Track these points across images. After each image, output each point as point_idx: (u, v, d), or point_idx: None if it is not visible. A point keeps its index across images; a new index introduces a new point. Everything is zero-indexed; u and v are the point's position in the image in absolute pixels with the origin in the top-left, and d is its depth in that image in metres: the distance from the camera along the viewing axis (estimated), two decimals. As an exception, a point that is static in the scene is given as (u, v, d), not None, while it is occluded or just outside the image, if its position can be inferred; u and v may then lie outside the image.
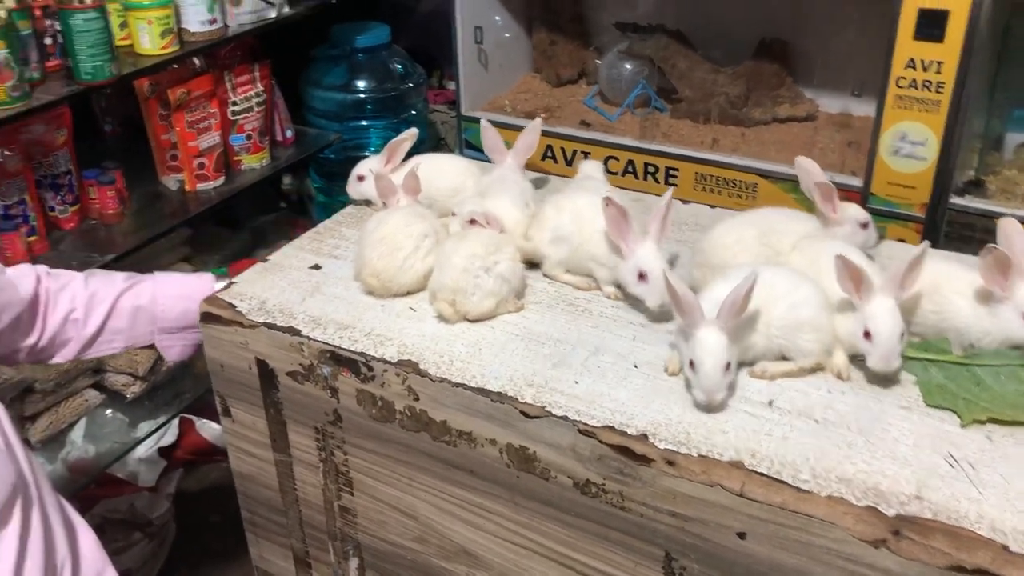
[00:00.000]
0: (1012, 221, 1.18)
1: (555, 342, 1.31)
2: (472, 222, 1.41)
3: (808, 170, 1.39)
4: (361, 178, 1.69)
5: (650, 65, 2.87)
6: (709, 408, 1.15)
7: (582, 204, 1.40)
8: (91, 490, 2.28)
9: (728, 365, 1.14)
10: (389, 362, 1.28)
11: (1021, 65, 2.41)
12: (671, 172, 2.66)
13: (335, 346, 1.31)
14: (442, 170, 1.61)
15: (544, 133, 2.91)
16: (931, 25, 2.15)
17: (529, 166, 1.68)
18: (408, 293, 1.42)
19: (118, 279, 1.48)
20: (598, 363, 1.26)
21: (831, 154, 2.63)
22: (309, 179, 2.92)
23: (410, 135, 1.64)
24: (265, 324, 1.37)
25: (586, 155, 2.76)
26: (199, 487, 2.62)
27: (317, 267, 1.52)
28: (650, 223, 1.30)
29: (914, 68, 2.20)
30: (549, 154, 2.83)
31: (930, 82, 2.20)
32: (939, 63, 2.17)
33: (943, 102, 2.20)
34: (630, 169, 2.72)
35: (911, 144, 2.29)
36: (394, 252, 1.39)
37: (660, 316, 1.34)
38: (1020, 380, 1.15)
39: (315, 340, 1.33)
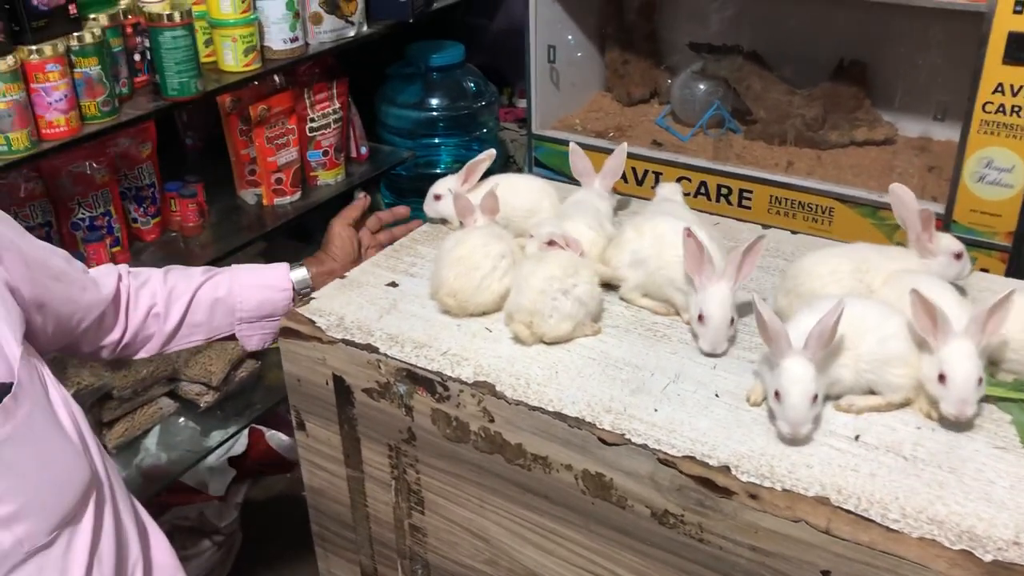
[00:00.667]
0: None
1: (633, 368, 1.29)
2: (551, 244, 1.40)
3: (902, 198, 1.35)
4: (438, 197, 1.69)
5: (724, 86, 2.84)
6: (794, 441, 1.12)
7: (663, 228, 1.38)
8: (162, 497, 2.32)
9: (815, 397, 1.11)
10: (465, 383, 1.27)
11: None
12: (745, 194, 2.63)
13: (412, 364, 1.32)
14: (518, 190, 1.61)
15: (610, 152, 2.90)
16: (1021, 49, 2.09)
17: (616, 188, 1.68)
18: (484, 313, 1.42)
19: (196, 273, 1.52)
20: (678, 391, 1.24)
21: (910, 179, 2.57)
22: (380, 195, 2.95)
23: (488, 156, 1.64)
24: (343, 341, 1.38)
25: (658, 176, 2.74)
26: (266, 497, 2.65)
27: (394, 284, 1.53)
28: (728, 264, 1.28)
29: (1002, 93, 2.15)
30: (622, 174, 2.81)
31: (1019, 107, 2.14)
32: (1029, 88, 2.10)
33: (1032, 128, 2.14)
34: (702, 191, 2.70)
35: (997, 171, 2.23)
36: (471, 272, 1.39)
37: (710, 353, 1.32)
38: (1120, 419, 1.10)
39: (392, 358, 1.33)
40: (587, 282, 1.34)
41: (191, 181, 2.21)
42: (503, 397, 1.24)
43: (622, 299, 1.45)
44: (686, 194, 2.68)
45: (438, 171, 2.81)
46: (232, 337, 1.56)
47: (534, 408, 1.22)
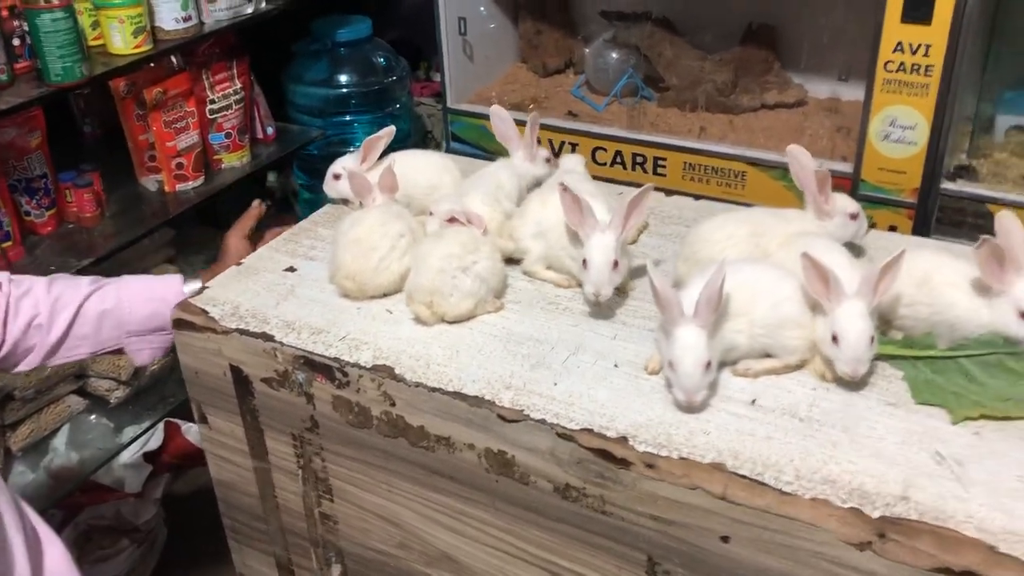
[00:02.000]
0: (1009, 215, 1.15)
1: (534, 342, 1.28)
2: (451, 220, 1.37)
3: (799, 159, 1.36)
4: (337, 176, 1.66)
5: (637, 54, 2.83)
6: (689, 408, 1.12)
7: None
8: (76, 497, 2.25)
9: (708, 363, 1.11)
10: (364, 367, 1.24)
11: (1011, 46, 2.38)
12: (659, 162, 2.63)
13: (309, 352, 1.28)
14: (418, 167, 1.58)
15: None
16: (918, 7, 2.11)
17: None
18: (385, 295, 1.39)
19: (83, 283, 1.45)
20: (578, 363, 1.23)
21: (821, 140, 2.59)
22: (293, 176, 2.89)
23: (387, 133, 1.60)
24: (238, 330, 1.34)
25: (574, 147, 2.72)
26: (189, 491, 2.59)
27: (292, 269, 1.49)
28: (614, 215, 1.27)
29: (902, 51, 2.17)
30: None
31: (919, 65, 2.17)
32: (927, 46, 2.13)
33: (932, 85, 2.17)
34: (618, 160, 2.69)
35: (901, 129, 2.26)
36: (369, 253, 1.35)
37: (605, 310, 1.32)
38: (1008, 370, 1.12)
39: (289, 346, 1.30)
40: (487, 258, 1.32)
41: (86, 170, 2.13)
42: (403, 380, 1.22)
43: (525, 273, 1.43)
44: (602, 164, 2.71)
45: (352, 149, 2.75)
46: (121, 351, 1.49)
47: (434, 389, 1.20)
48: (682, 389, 1.10)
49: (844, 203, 1.37)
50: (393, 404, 1.24)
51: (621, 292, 1.35)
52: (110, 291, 1.45)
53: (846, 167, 2.40)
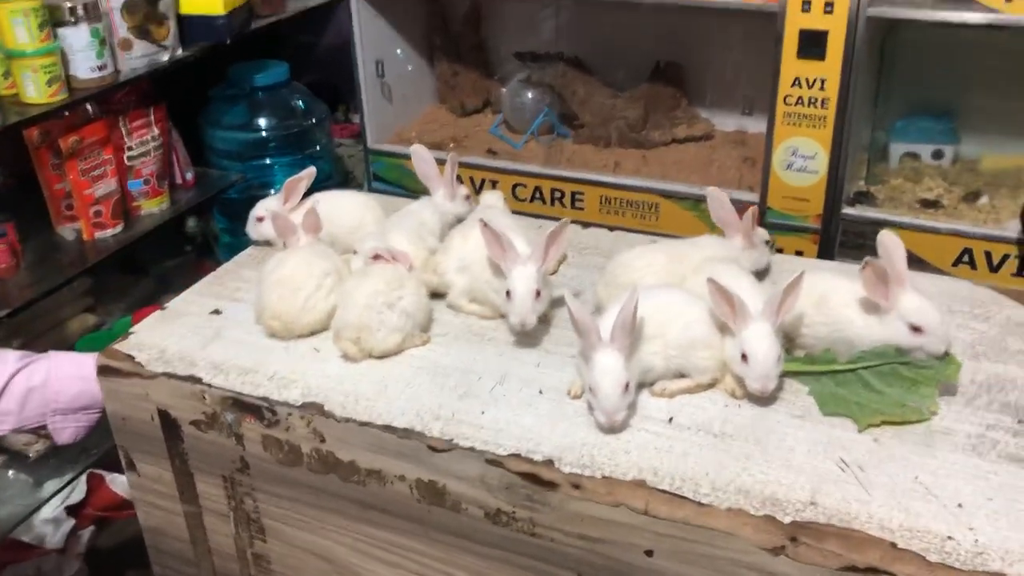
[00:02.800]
0: (890, 234, 1.24)
1: (461, 373, 1.31)
2: (376, 258, 1.41)
3: (719, 199, 1.45)
4: (260, 219, 1.68)
5: (551, 93, 2.92)
6: (611, 429, 1.17)
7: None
8: (-5, 556, 2.18)
9: (627, 385, 1.16)
10: (293, 405, 1.26)
11: (898, 79, 2.54)
12: (577, 196, 2.71)
13: (237, 392, 1.30)
14: (342, 207, 1.61)
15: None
16: (812, 44, 2.25)
17: None
18: (312, 333, 1.41)
19: (10, 359, 1.44)
20: (504, 391, 1.27)
21: (729, 171, 2.71)
22: (214, 220, 2.88)
23: (307, 174, 1.64)
24: (165, 374, 1.34)
25: (494, 184, 2.79)
26: (114, 543, 2.53)
27: (217, 312, 1.50)
28: (535, 248, 1.33)
29: (799, 86, 2.30)
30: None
31: (815, 99, 2.30)
32: (822, 80, 2.26)
33: (829, 117, 2.30)
34: (538, 195, 2.76)
35: (802, 158, 2.39)
36: (295, 292, 1.38)
37: (529, 338, 1.37)
38: (902, 377, 1.21)
39: (217, 387, 1.31)
40: (413, 293, 1.36)
41: (0, 220, 2.10)
42: (332, 416, 1.24)
43: (450, 306, 1.47)
44: (522, 200, 2.78)
45: (273, 192, 2.75)
46: (42, 427, 1.48)
47: (363, 423, 1.22)
48: (603, 411, 1.15)
49: (762, 233, 1.49)
50: (323, 440, 1.26)
51: (544, 321, 1.40)
52: (39, 368, 1.44)
53: (753, 196, 2.51)
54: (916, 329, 1.21)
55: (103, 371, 1.39)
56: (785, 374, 1.24)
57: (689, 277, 1.37)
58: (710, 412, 1.21)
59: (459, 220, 1.63)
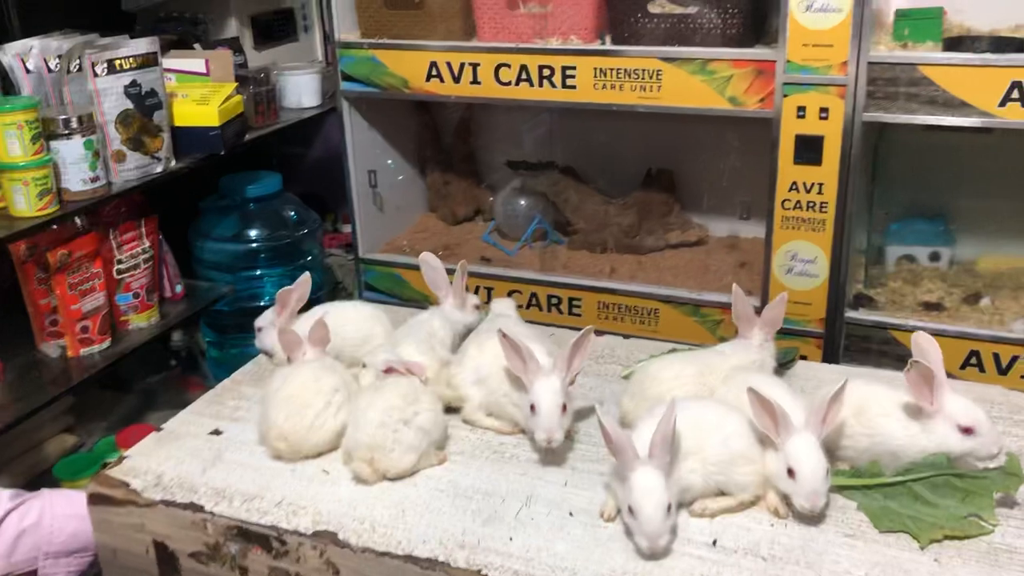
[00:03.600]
0: (924, 335, 1.19)
1: (484, 495, 1.23)
2: (388, 371, 1.34)
3: (739, 295, 1.41)
4: (260, 329, 1.61)
5: (544, 200, 2.91)
6: (652, 555, 1.08)
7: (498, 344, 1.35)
8: None
9: (669, 507, 1.08)
10: (304, 534, 1.17)
11: (891, 182, 2.56)
12: (574, 302, 2.66)
13: (242, 520, 1.20)
14: (348, 318, 1.55)
15: (448, 271, 2.90)
16: (808, 150, 2.26)
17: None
18: (319, 454, 1.33)
19: (3, 498, 1.34)
20: (531, 514, 1.18)
21: (725, 276, 2.69)
22: (200, 334, 2.80)
23: (302, 283, 1.58)
24: (163, 501, 1.25)
25: (489, 291, 2.74)
26: None
27: (218, 432, 1.41)
28: (558, 359, 1.27)
29: (797, 190, 2.30)
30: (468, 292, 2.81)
31: (813, 202, 2.30)
32: (820, 184, 2.27)
33: (828, 220, 2.29)
34: (534, 302, 2.72)
35: (802, 262, 2.37)
36: (303, 410, 1.30)
37: (554, 455, 1.30)
38: (955, 488, 1.14)
39: (220, 515, 1.21)
40: (429, 409, 1.29)
41: (-19, 338, 2.01)
42: (347, 545, 1.15)
43: (466, 421, 1.40)
44: (519, 306, 2.73)
45: (262, 304, 2.70)
46: (33, 573, 1.36)
47: (382, 553, 1.13)
48: (645, 536, 1.07)
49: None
50: (337, 572, 1.16)
51: (567, 436, 1.32)
52: (32, 507, 1.34)
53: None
54: (966, 431, 1.15)
55: (94, 499, 1.29)
56: (831, 489, 1.16)
57: (719, 388, 1.31)
58: (756, 533, 1.13)
59: (469, 330, 1.57)
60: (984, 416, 1.15)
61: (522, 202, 2.94)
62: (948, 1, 2.31)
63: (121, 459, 1.35)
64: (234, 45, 2.69)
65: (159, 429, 1.43)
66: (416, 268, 2.81)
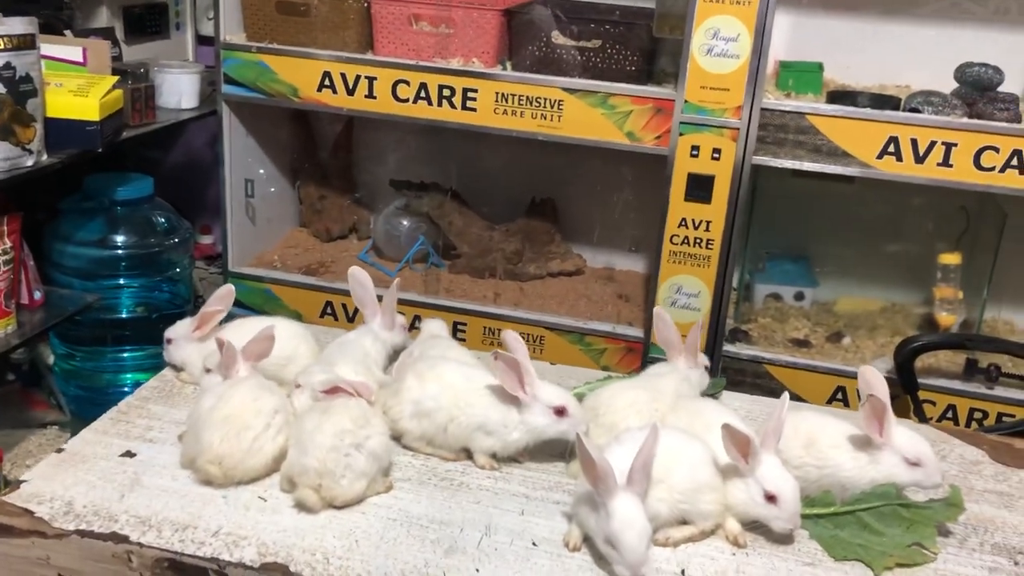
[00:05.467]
0: (871, 369, 1.25)
1: (439, 524, 1.17)
2: (332, 391, 1.25)
3: (664, 320, 1.42)
4: (169, 341, 1.49)
5: (428, 222, 2.87)
6: (634, 585, 1.06)
7: (450, 376, 1.30)
8: None
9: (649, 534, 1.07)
10: (250, 567, 1.07)
11: (765, 223, 2.69)
12: (459, 326, 2.63)
13: (176, 552, 1.09)
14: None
15: (321, 288, 2.80)
16: (700, 188, 2.34)
17: (309, 322, 1.58)
18: (253, 480, 1.22)
19: None
20: (494, 545, 1.14)
21: (606, 306, 2.74)
22: (48, 346, 2.54)
23: (225, 295, 1.47)
24: (77, 532, 1.11)
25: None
26: None
27: (130, 454, 1.28)
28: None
29: (686, 227, 2.38)
30: (329, 310, 2.71)
31: (701, 239, 2.38)
32: (708, 222, 2.36)
33: (713, 257, 2.38)
34: (416, 325, 2.64)
35: (686, 296, 2.45)
36: (242, 433, 1.20)
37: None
38: (901, 518, 1.19)
39: (148, 546, 1.09)
40: (380, 433, 1.22)
41: None
42: (301, 579, 1.06)
43: (406, 447, 1.33)
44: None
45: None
46: None
47: (341, 587, 1.05)
48: (628, 566, 1.05)
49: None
50: (288, 609, 1.07)
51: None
52: None
53: (636, 331, 2.54)
54: (913, 464, 1.20)
55: (-12, 530, 1.13)
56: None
57: (668, 415, 1.31)
58: (720, 562, 1.14)
59: (397, 352, 1.51)
60: (929, 449, 1.21)
61: (404, 222, 2.88)
62: (823, 58, 2.49)
63: (18, 483, 1.19)
64: (108, 35, 2.49)
65: (60, 451, 1.27)
66: (289, 284, 2.73)
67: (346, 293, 2.63)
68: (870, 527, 1.18)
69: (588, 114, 2.36)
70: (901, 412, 2.40)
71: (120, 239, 2.42)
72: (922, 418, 2.32)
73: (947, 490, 1.22)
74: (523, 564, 1.10)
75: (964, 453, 1.43)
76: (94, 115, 2.04)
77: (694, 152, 2.32)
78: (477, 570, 1.09)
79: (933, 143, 2.19)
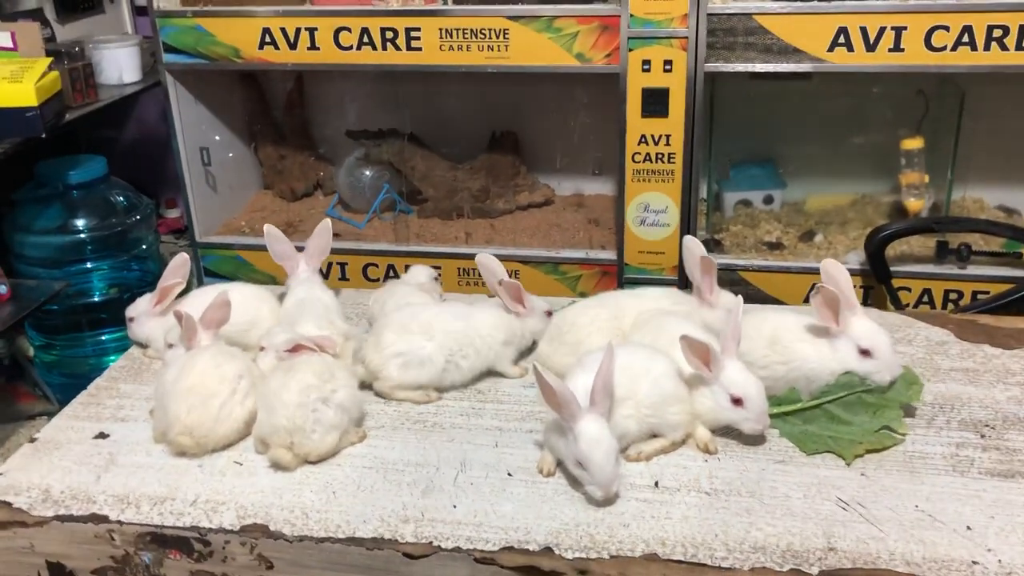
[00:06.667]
0: (833, 262, 1.25)
1: (415, 467, 1.18)
2: (295, 349, 1.25)
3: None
4: (131, 319, 1.48)
5: (390, 169, 2.84)
6: (607, 502, 1.08)
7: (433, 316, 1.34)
8: None
9: (616, 452, 1.08)
10: (230, 531, 1.08)
11: (727, 131, 2.67)
12: (435, 270, 2.62)
13: (156, 525, 1.10)
14: (232, 301, 1.43)
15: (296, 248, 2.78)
16: (655, 102, 2.32)
17: (282, 280, 1.59)
18: (227, 446, 1.23)
19: None
20: (470, 479, 1.15)
21: (578, 233, 2.73)
22: (26, 337, 2.53)
23: (179, 266, 1.46)
24: (57, 517, 1.12)
25: (342, 266, 2.66)
26: None
27: (104, 435, 1.28)
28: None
29: (646, 143, 2.36)
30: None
31: (662, 154, 2.36)
32: (667, 136, 2.34)
33: (676, 171, 2.37)
34: (392, 273, 2.65)
35: (654, 213, 2.44)
36: (208, 401, 1.20)
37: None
38: (867, 404, 1.21)
39: (128, 523, 1.10)
40: (346, 385, 1.22)
41: None
42: (281, 536, 1.07)
43: (379, 394, 1.34)
44: (375, 280, 2.66)
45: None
46: None
47: (322, 540, 1.06)
48: (598, 485, 1.07)
49: (727, 298, 1.40)
50: (271, 567, 1.09)
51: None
52: None
53: (608, 255, 2.54)
54: (865, 352, 1.21)
55: (-31, 526, 1.14)
56: (747, 418, 1.21)
57: (630, 332, 1.32)
58: (693, 470, 1.15)
59: None
60: (886, 341, 1.22)
61: (367, 173, 2.85)
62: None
63: (-8, 479, 1.20)
64: (38, 17, 2.43)
65: (33, 440, 1.28)
66: (260, 248, 2.71)
67: (317, 251, 2.65)
68: (838, 418, 1.20)
69: (535, 40, 2.31)
70: (879, 302, 2.43)
71: (80, 223, 2.39)
72: (898, 306, 2.34)
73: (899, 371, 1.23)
74: (499, 495, 1.12)
75: (930, 335, 1.44)
76: (31, 100, 2.00)
77: (645, 66, 2.29)
78: (455, 506, 1.10)
79: (883, 29, 2.16)
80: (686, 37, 2.23)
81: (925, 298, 2.42)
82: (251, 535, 1.07)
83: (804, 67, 2.22)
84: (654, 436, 1.19)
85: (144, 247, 2.55)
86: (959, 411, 1.25)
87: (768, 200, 2.74)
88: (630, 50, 2.27)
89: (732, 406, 1.15)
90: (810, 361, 1.24)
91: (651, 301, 1.37)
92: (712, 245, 2.56)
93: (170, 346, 1.34)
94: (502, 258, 2.51)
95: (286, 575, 1.08)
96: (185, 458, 1.21)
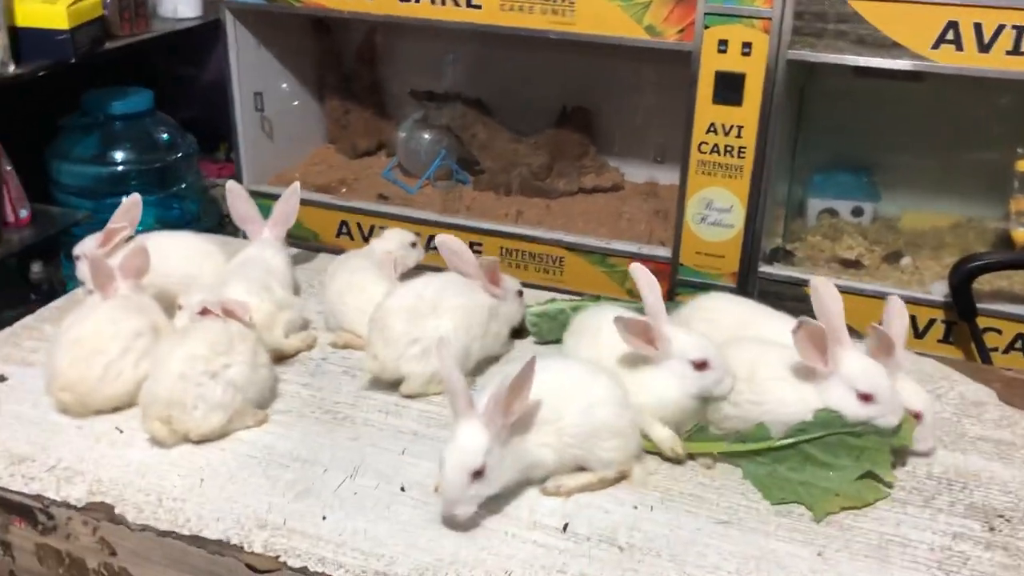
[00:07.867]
0: (825, 281, 1.03)
1: (302, 463, 1.03)
2: (203, 313, 1.12)
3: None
4: (78, 258, 1.38)
5: (449, 135, 2.69)
6: (450, 524, 0.90)
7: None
8: None
9: (479, 471, 0.89)
10: (74, 506, 0.96)
11: (818, 129, 2.39)
12: (475, 247, 2.46)
13: (3, 488, 0.99)
14: (168, 253, 1.31)
15: (339, 208, 2.68)
16: (729, 88, 2.07)
17: (323, 243, 1.45)
18: (116, 409, 1.11)
19: None
20: (355, 488, 0.99)
21: (639, 225, 2.51)
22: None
23: (131, 205, 1.35)
24: (-97, 463, 1.02)
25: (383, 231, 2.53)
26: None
27: (3, 378, 1.19)
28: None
29: (715, 132, 2.12)
30: (344, 230, 2.59)
31: (732, 147, 2.12)
32: (739, 127, 2.09)
33: (746, 167, 2.12)
34: (432, 245, 2.50)
35: (717, 211, 2.20)
36: (92, 357, 1.08)
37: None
38: (850, 447, 0.98)
39: (-23, 481, 1.00)
40: (244, 361, 1.08)
41: None
42: (123, 522, 0.94)
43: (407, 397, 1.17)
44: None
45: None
46: None
47: (164, 533, 0.93)
48: (443, 498, 0.89)
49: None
50: (114, 553, 0.96)
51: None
52: None
53: (664, 252, 2.32)
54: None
55: None
56: (710, 456, 1.00)
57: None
58: (615, 516, 0.96)
59: None
60: (886, 381, 0.99)
61: (425, 136, 2.70)
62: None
63: None
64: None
65: (-73, 374, 1.19)
66: (309, 204, 2.61)
67: (362, 212, 2.53)
68: (814, 459, 0.98)
69: (602, 6, 2.10)
70: (961, 342, 2.12)
71: (119, 155, 2.35)
72: (981, 347, 2.03)
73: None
74: (380, 512, 0.96)
75: (966, 392, 1.18)
76: (63, 23, 1.95)
77: (722, 47, 2.05)
78: (324, 517, 0.95)
79: (1001, 27, 1.84)
80: (769, 18, 1.97)
81: (1018, 343, 2.10)
82: (93, 515, 0.95)
83: (902, 64, 1.93)
84: (581, 469, 0.99)
85: (184, 186, 2.49)
86: (971, 493, 1.00)
87: (857, 212, 2.44)
88: (706, 27, 2.03)
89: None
90: (788, 404, 1.01)
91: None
92: (782, 255, 2.30)
93: (90, 292, 1.23)
94: (548, 241, 2.39)
95: (130, 565, 0.95)
96: (67, 416, 1.10)
